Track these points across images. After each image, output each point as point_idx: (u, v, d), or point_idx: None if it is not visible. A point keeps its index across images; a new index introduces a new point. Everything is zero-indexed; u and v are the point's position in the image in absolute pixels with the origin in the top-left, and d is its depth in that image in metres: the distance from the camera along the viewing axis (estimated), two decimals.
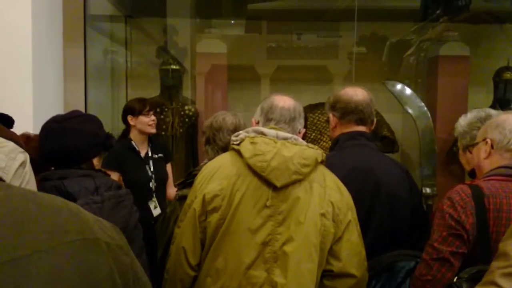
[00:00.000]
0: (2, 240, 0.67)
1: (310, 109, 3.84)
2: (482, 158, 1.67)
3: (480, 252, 1.46)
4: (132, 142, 3.00)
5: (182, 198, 1.91)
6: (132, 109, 3.00)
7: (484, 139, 1.66)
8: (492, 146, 1.63)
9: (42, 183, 1.62)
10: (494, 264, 1.12)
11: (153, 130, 3.01)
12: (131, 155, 2.97)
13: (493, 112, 1.99)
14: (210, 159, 2.00)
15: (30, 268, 0.67)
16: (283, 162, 1.49)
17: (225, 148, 1.97)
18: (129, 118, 2.99)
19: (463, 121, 2.03)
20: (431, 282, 1.51)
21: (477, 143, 1.71)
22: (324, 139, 3.74)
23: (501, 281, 1.04)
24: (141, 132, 3.01)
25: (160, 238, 1.97)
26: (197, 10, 4.46)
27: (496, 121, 1.65)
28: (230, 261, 1.48)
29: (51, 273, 0.68)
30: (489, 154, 1.64)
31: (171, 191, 3.08)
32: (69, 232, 0.73)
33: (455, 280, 1.41)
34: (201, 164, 2.08)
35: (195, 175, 1.95)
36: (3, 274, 0.65)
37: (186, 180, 2.01)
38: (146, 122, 2.97)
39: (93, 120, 1.80)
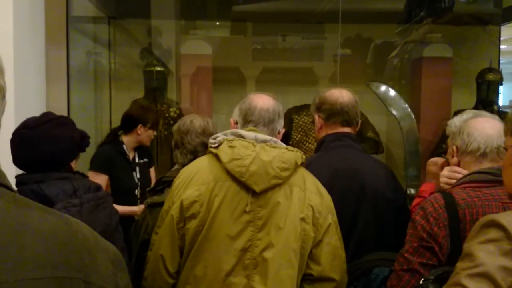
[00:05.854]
0: None
1: (295, 110, 3.84)
2: (455, 164, 1.68)
3: (454, 263, 1.45)
4: (124, 146, 2.94)
5: (152, 206, 1.87)
6: (146, 120, 2.94)
7: (452, 146, 1.68)
8: (457, 152, 1.64)
9: (19, 188, 1.57)
10: (459, 265, 1.09)
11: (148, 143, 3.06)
12: (121, 159, 2.92)
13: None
14: (180, 164, 1.96)
15: None
16: (262, 166, 1.46)
17: (194, 151, 1.95)
18: (140, 127, 2.93)
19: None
20: None
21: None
22: (310, 140, 3.75)
23: (467, 282, 1.02)
24: (140, 142, 2.99)
25: (134, 246, 1.93)
26: (181, 12, 4.44)
27: (459, 128, 1.66)
28: (210, 268, 1.46)
29: None
30: (459, 160, 1.65)
31: None
32: (39, 267, 0.64)
33: (421, 282, 1.39)
34: (172, 169, 2.03)
35: (165, 181, 1.91)
36: None
37: (156, 187, 1.97)
38: (151, 135, 3.01)
39: (67, 123, 1.74)
